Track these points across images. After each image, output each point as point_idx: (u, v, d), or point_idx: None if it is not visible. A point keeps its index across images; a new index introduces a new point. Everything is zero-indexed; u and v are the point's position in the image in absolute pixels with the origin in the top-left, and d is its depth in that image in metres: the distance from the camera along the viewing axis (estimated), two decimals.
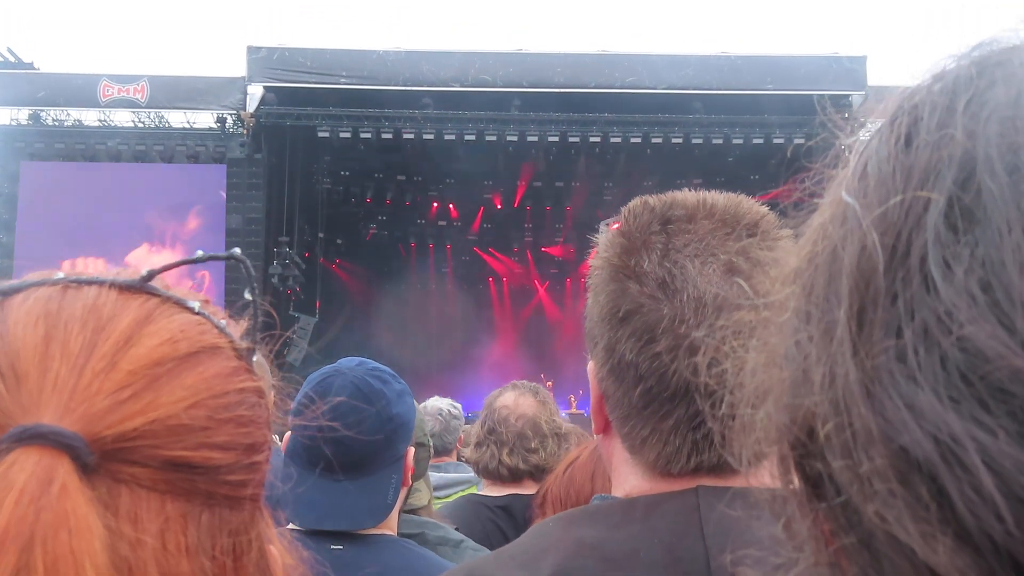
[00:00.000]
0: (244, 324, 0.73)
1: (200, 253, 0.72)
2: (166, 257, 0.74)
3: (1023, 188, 0.37)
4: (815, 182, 0.50)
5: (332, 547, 1.87)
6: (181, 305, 0.66)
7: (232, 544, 0.63)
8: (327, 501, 1.89)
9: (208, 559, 0.60)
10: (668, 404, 1.01)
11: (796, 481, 0.46)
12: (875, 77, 16.98)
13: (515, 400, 2.97)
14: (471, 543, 2.43)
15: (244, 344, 0.69)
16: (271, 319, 0.80)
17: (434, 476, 4.04)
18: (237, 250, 0.74)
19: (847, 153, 0.48)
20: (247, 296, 0.74)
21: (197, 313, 0.67)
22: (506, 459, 2.85)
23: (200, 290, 0.72)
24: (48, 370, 0.57)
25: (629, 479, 1.09)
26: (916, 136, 0.42)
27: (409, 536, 2.25)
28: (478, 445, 2.97)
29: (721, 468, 1.02)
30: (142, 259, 16.47)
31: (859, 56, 17.40)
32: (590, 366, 1.13)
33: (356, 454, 1.91)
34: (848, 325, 0.41)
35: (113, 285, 0.64)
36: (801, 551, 0.47)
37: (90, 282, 0.64)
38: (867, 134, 0.47)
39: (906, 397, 0.37)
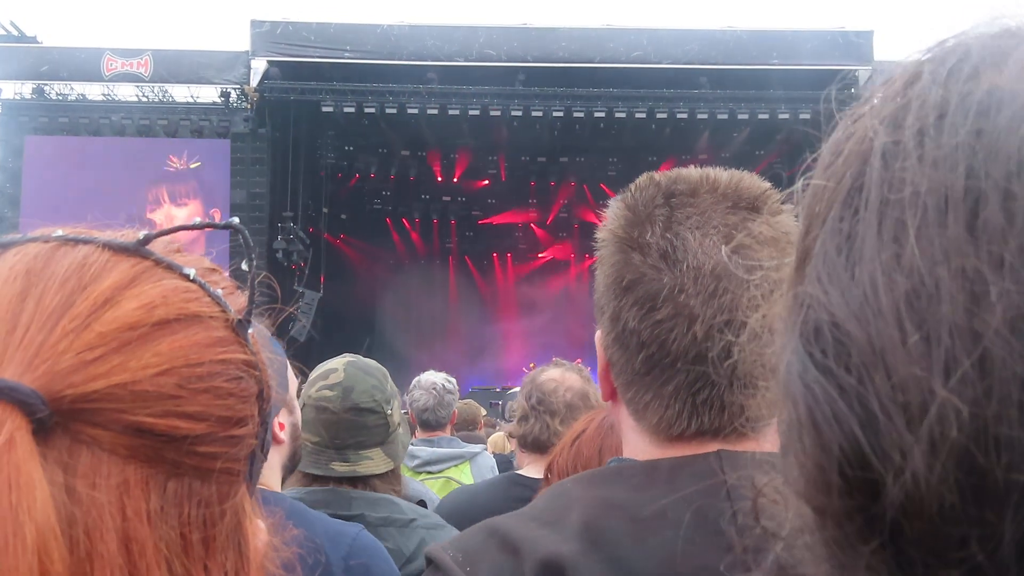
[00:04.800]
0: (247, 296, 0.71)
1: (197, 220, 0.71)
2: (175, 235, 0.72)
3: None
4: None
5: None
6: (174, 270, 0.65)
7: (201, 516, 0.62)
8: None
9: (172, 528, 0.60)
10: (669, 370, 1.05)
11: None
12: (882, 52, 16.87)
13: (561, 375, 2.97)
14: (425, 522, 2.38)
15: (237, 315, 0.68)
16: (273, 292, 0.78)
17: (426, 451, 4.03)
18: (235, 219, 0.73)
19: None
20: (244, 267, 0.73)
21: (191, 280, 0.66)
22: (558, 427, 2.83)
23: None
24: (18, 326, 0.57)
25: (638, 444, 1.13)
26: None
27: (349, 518, 2.23)
28: (523, 419, 2.94)
29: (719, 431, 1.06)
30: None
31: (866, 31, 17.26)
32: (598, 335, 1.17)
33: None
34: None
35: (107, 246, 0.64)
36: None
37: (85, 241, 0.64)
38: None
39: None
